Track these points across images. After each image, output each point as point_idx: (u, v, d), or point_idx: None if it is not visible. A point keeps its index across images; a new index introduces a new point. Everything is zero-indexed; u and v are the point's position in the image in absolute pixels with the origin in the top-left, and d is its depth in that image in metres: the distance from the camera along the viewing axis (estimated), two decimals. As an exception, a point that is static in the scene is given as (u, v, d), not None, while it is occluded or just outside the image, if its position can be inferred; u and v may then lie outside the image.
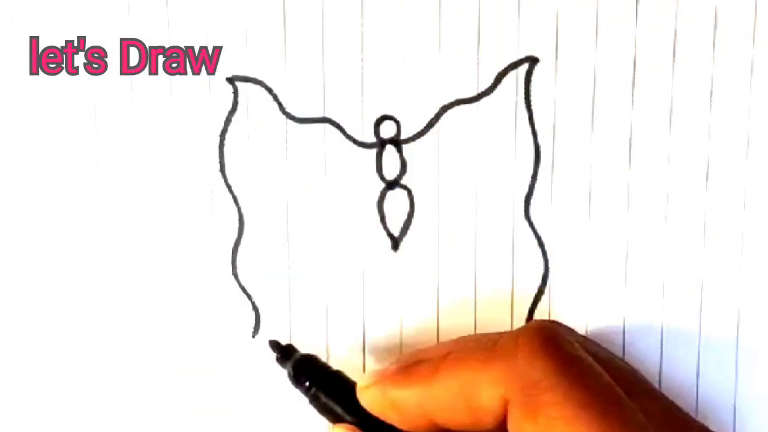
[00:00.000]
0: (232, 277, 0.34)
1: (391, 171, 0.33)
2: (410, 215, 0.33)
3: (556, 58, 0.32)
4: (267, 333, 0.34)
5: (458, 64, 0.32)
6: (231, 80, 0.32)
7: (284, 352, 0.32)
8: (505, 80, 0.32)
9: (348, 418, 0.30)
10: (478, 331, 0.34)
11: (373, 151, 0.33)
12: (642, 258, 0.33)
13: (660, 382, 0.33)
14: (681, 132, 0.33)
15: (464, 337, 0.31)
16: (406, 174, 0.33)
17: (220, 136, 0.33)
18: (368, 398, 0.29)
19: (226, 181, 0.33)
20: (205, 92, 0.32)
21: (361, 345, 0.34)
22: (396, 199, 0.33)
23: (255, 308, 0.34)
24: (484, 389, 0.26)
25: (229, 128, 0.33)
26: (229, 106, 0.33)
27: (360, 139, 0.33)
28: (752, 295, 0.33)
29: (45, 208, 0.33)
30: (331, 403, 0.30)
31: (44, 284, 0.34)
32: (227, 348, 0.34)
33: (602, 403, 0.25)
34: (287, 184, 0.33)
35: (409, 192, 0.33)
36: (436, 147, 0.33)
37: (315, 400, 0.31)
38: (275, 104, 0.32)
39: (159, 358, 0.34)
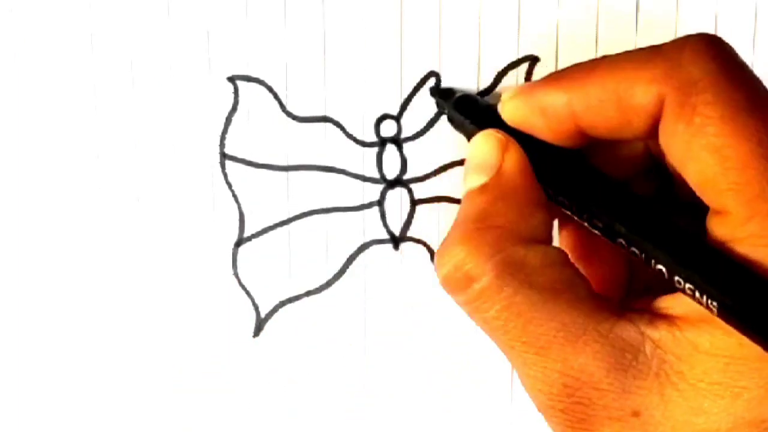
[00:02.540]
0: (233, 276, 0.34)
1: (391, 170, 0.33)
2: (411, 214, 0.33)
3: (557, 57, 0.32)
4: (267, 333, 0.34)
5: (458, 63, 0.32)
6: (231, 79, 0.32)
7: (442, 93, 0.32)
8: (505, 79, 0.32)
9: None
10: (477, 337, 0.34)
11: (374, 150, 0.33)
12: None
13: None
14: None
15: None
16: (407, 173, 0.33)
17: (220, 135, 0.33)
18: (512, 107, 0.27)
19: (226, 180, 0.33)
20: (205, 91, 0.32)
21: (361, 344, 0.34)
22: (397, 198, 0.33)
23: (256, 308, 0.34)
24: (641, 86, 0.25)
25: (230, 127, 0.33)
26: (230, 106, 0.32)
27: (361, 138, 0.33)
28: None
29: (45, 208, 0.33)
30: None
31: (43, 283, 0.34)
32: (227, 348, 0.34)
33: (761, 108, 0.23)
34: (288, 184, 0.33)
35: (410, 191, 0.33)
36: (437, 146, 0.33)
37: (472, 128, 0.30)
38: (276, 103, 0.32)
39: (159, 358, 0.34)
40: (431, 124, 0.33)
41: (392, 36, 0.32)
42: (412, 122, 0.33)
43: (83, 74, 0.32)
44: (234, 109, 0.33)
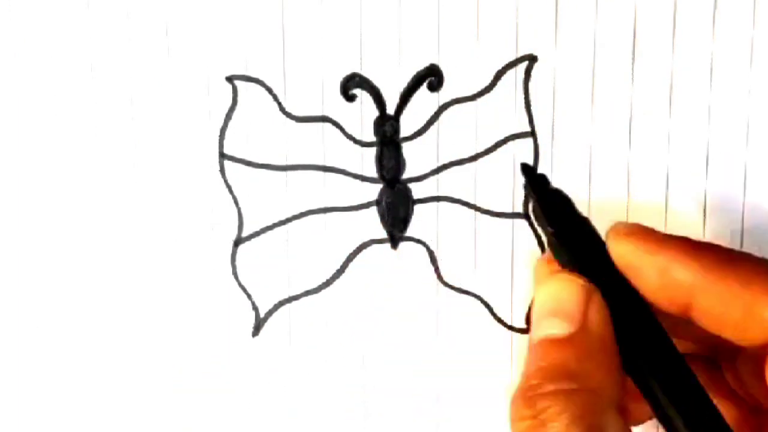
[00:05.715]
0: (232, 277, 0.34)
1: (390, 170, 0.33)
2: (409, 214, 0.33)
3: (555, 56, 0.32)
4: (266, 332, 0.34)
5: (457, 63, 0.32)
6: (230, 79, 0.32)
7: (533, 179, 0.29)
8: (504, 78, 0.32)
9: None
10: (476, 337, 0.34)
11: (373, 150, 0.33)
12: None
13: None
14: (681, 129, 0.33)
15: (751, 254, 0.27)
16: (406, 172, 0.33)
17: (219, 135, 0.33)
18: (629, 251, 0.25)
19: (225, 180, 0.33)
20: (204, 92, 0.32)
21: (360, 344, 0.34)
22: (395, 198, 0.33)
23: (255, 308, 0.34)
24: None
25: (229, 127, 0.33)
26: (229, 106, 0.32)
27: (359, 137, 0.33)
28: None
29: (44, 208, 0.33)
30: (567, 247, 0.26)
31: (43, 283, 0.34)
32: (226, 347, 0.34)
33: None
34: (286, 183, 0.33)
35: (409, 190, 0.33)
36: (436, 145, 0.33)
37: (555, 241, 0.27)
38: (275, 104, 0.32)
39: (159, 358, 0.34)
40: (429, 124, 0.33)
41: (391, 36, 0.32)
42: (410, 122, 0.33)
43: (83, 74, 0.32)
44: (233, 109, 0.33)
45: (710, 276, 0.24)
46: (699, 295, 0.24)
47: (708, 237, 0.33)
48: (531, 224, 0.33)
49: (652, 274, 0.25)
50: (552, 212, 0.28)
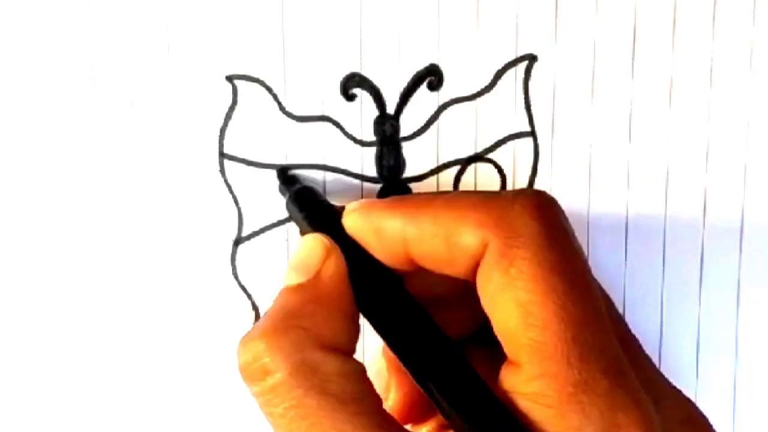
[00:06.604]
0: (232, 277, 0.34)
1: (390, 169, 0.33)
2: (409, 213, 0.33)
3: (555, 56, 0.32)
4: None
5: (457, 62, 0.32)
6: (230, 79, 0.32)
7: (287, 180, 0.32)
8: (504, 78, 0.32)
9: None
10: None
11: (373, 149, 0.33)
12: (641, 255, 0.33)
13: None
14: (681, 128, 0.33)
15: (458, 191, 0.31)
16: (406, 172, 0.33)
17: (219, 134, 0.33)
18: (352, 221, 0.29)
19: (225, 180, 0.33)
20: (204, 91, 0.32)
21: (360, 343, 0.34)
22: (395, 198, 0.33)
23: (255, 308, 0.34)
24: (469, 228, 0.26)
25: (229, 127, 0.33)
26: (229, 105, 0.32)
27: (359, 137, 0.33)
28: (752, 273, 0.33)
29: (43, 207, 0.33)
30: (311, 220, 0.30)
31: (43, 283, 0.34)
32: (227, 348, 0.34)
33: (572, 275, 0.25)
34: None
35: (409, 190, 0.33)
36: (435, 145, 0.33)
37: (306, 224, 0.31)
38: (275, 103, 0.32)
39: (158, 358, 0.34)
40: (429, 123, 0.33)
41: (391, 36, 0.32)
42: (410, 122, 0.33)
43: (83, 73, 0.32)
44: (233, 108, 0.33)
45: (411, 220, 0.27)
46: (409, 243, 0.27)
47: (708, 236, 0.33)
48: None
49: (371, 235, 0.28)
50: (302, 202, 0.31)
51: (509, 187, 0.33)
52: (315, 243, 0.29)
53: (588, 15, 0.32)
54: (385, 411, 0.27)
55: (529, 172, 0.33)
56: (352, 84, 0.32)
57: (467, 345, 0.29)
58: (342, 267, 0.28)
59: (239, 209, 0.33)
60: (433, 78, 0.32)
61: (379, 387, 0.28)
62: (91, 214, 0.33)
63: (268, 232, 0.33)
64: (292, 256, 0.29)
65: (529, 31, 0.32)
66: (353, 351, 0.28)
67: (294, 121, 0.33)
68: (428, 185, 0.33)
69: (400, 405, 0.31)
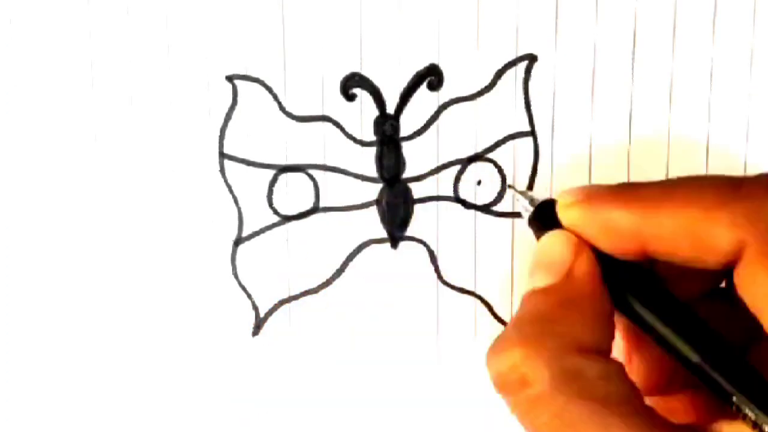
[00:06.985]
0: (232, 276, 0.34)
1: (390, 169, 0.33)
2: (409, 213, 0.33)
3: (555, 56, 0.32)
4: (266, 332, 0.34)
5: (457, 62, 0.32)
6: (230, 79, 0.32)
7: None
8: (503, 78, 0.32)
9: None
10: (475, 333, 0.34)
11: (373, 149, 0.33)
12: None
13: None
14: (681, 128, 0.33)
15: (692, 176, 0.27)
16: (406, 172, 0.33)
17: (219, 134, 0.33)
18: (573, 216, 0.26)
19: (225, 180, 0.33)
20: (204, 91, 0.32)
21: (360, 343, 0.34)
22: (395, 197, 0.33)
23: (255, 308, 0.34)
24: (720, 229, 0.24)
25: (229, 127, 0.33)
26: (229, 105, 0.32)
27: (359, 137, 0.33)
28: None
29: (43, 207, 0.33)
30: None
31: (42, 283, 0.34)
32: (226, 347, 0.34)
33: None
34: (287, 183, 0.33)
35: (409, 190, 0.33)
36: (435, 145, 0.33)
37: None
38: (275, 103, 0.32)
39: (159, 358, 0.34)
40: (429, 123, 0.33)
41: (391, 36, 0.32)
42: (410, 122, 0.33)
43: (83, 73, 0.32)
44: (233, 108, 0.33)
45: (649, 217, 0.25)
46: (647, 240, 0.25)
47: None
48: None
49: (598, 231, 0.26)
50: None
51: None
52: (562, 240, 0.26)
53: (588, 15, 0.32)
54: (649, 407, 0.25)
55: (529, 171, 0.33)
56: (352, 84, 0.32)
57: None
58: (594, 265, 0.26)
59: (239, 209, 0.33)
60: (433, 78, 0.32)
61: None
62: (92, 214, 0.33)
63: (268, 232, 0.33)
64: (535, 255, 0.27)
65: (529, 31, 0.32)
66: (611, 351, 0.26)
67: (294, 121, 0.33)
68: (428, 185, 0.33)
69: (641, 377, 0.28)
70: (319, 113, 0.33)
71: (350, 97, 0.33)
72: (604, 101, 0.33)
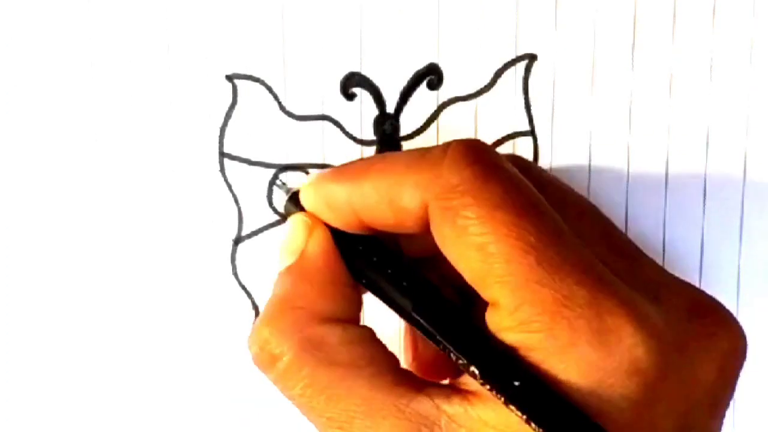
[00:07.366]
0: (232, 276, 0.34)
1: (390, 168, 0.33)
2: (409, 213, 0.33)
3: (555, 55, 0.32)
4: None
5: (457, 61, 0.32)
6: (230, 78, 0.32)
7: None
8: (503, 77, 0.33)
9: None
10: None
11: (373, 149, 0.33)
12: (641, 253, 0.33)
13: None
14: (681, 128, 0.33)
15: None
16: (406, 171, 0.33)
17: (219, 134, 0.33)
18: (306, 196, 0.29)
19: (225, 179, 0.33)
20: (204, 90, 0.32)
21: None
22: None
23: (255, 307, 0.34)
24: (407, 192, 0.26)
25: (229, 126, 0.33)
26: (229, 104, 0.33)
27: (359, 136, 0.33)
28: (752, 267, 0.33)
29: (44, 207, 0.33)
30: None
31: (42, 283, 0.34)
32: (227, 347, 0.34)
33: (517, 205, 0.25)
34: (287, 183, 0.33)
35: (409, 189, 0.33)
36: (435, 144, 0.33)
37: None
38: (275, 102, 0.33)
39: (158, 357, 0.34)
40: (429, 122, 0.33)
41: (391, 35, 0.32)
42: (410, 121, 0.33)
43: (83, 72, 0.32)
44: (233, 107, 0.33)
45: (354, 189, 0.27)
46: (358, 212, 0.27)
47: (707, 235, 0.33)
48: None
49: (325, 209, 0.28)
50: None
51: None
52: (296, 222, 0.29)
53: (588, 14, 0.32)
54: (402, 369, 0.27)
55: (528, 171, 0.33)
56: (351, 83, 0.32)
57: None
58: (325, 241, 0.28)
59: (239, 208, 0.33)
60: (432, 77, 0.33)
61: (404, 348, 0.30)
62: (91, 214, 0.33)
63: (268, 232, 0.33)
64: (281, 241, 0.29)
65: (528, 31, 0.32)
66: (357, 319, 0.29)
67: (294, 121, 0.33)
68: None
69: (422, 363, 0.31)
70: (319, 112, 0.33)
71: (350, 97, 0.33)
72: (603, 101, 0.33)
